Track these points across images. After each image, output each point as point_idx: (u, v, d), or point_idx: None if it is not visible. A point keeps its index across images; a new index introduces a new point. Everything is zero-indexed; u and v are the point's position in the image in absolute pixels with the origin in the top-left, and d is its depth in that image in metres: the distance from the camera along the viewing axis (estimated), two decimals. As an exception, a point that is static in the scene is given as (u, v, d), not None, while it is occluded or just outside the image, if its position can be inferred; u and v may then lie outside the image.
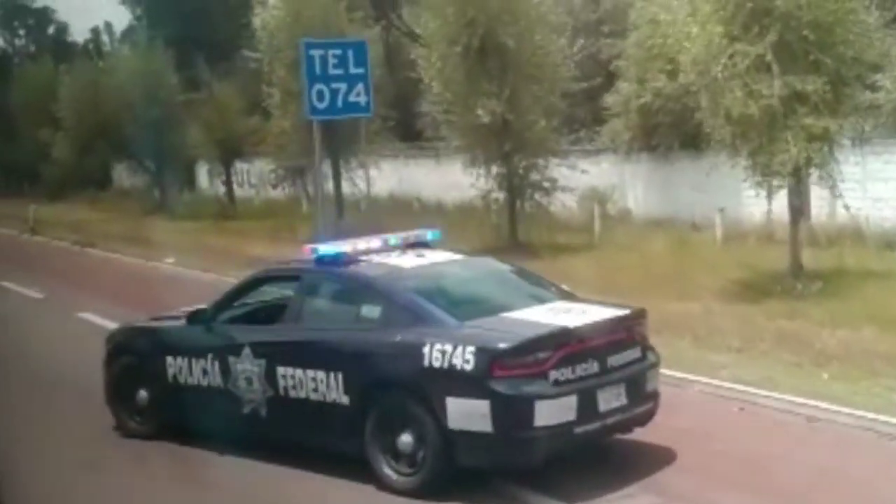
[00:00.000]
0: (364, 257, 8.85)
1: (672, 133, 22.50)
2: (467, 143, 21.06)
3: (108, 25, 79.62)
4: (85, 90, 37.82)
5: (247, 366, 8.55)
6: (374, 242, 9.07)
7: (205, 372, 8.90)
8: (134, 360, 9.63)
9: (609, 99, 24.20)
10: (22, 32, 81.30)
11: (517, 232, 21.48)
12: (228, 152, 32.94)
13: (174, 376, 9.14)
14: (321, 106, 15.86)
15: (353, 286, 8.68)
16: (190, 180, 43.10)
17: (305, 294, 8.80)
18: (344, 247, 8.83)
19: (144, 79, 34.96)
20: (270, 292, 9.56)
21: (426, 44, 20.75)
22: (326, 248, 8.76)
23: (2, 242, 30.00)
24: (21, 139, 55.19)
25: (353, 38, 18.67)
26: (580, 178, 22.19)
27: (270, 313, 9.03)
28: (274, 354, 8.43)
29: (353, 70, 16.04)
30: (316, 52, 15.78)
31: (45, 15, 79.56)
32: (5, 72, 74.41)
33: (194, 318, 9.24)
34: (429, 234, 9.56)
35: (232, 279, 17.61)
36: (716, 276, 16.08)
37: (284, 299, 9.13)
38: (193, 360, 8.97)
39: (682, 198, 22.77)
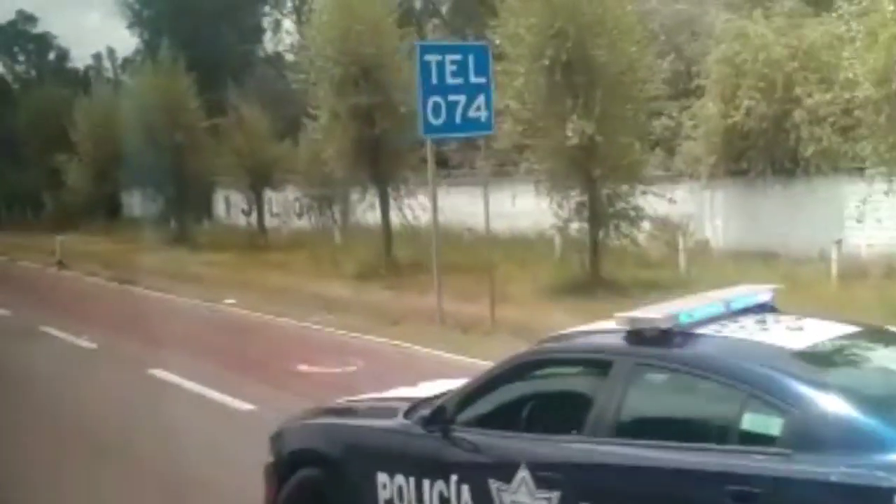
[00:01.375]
0: (698, 329, 5.44)
1: (763, 157, 20.30)
2: (548, 168, 18.77)
3: (111, 51, 78.23)
4: (102, 114, 35.43)
5: (524, 499, 5.40)
6: (709, 305, 5.77)
7: (445, 502, 5.77)
8: (320, 474, 6.37)
9: (686, 119, 22.02)
10: (22, 58, 79.23)
11: (599, 267, 19.19)
12: (259, 180, 30.63)
13: None
14: (437, 122, 13.63)
15: (714, 378, 5.06)
16: (207, 209, 40.92)
17: (621, 388, 5.31)
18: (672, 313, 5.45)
19: (166, 102, 32.66)
20: (547, 382, 6.08)
21: (505, 58, 18.50)
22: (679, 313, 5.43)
23: (29, 278, 27.27)
24: (25, 166, 53.15)
25: (473, 42, 16.02)
26: (655, 207, 20.05)
27: (556, 416, 5.67)
28: (575, 483, 5.22)
29: (473, 79, 13.82)
30: (432, 58, 13.56)
31: (45, 41, 77.69)
32: (5, 98, 72.83)
33: (425, 414, 6.01)
34: (765, 294, 6.13)
35: (313, 325, 16.25)
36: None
37: (578, 395, 5.70)
38: (425, 483, 5.80)
39: (772, 228, 20.60)
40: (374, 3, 22.88)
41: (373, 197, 24.56)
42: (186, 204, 34.76)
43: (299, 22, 52.35)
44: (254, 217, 39.90)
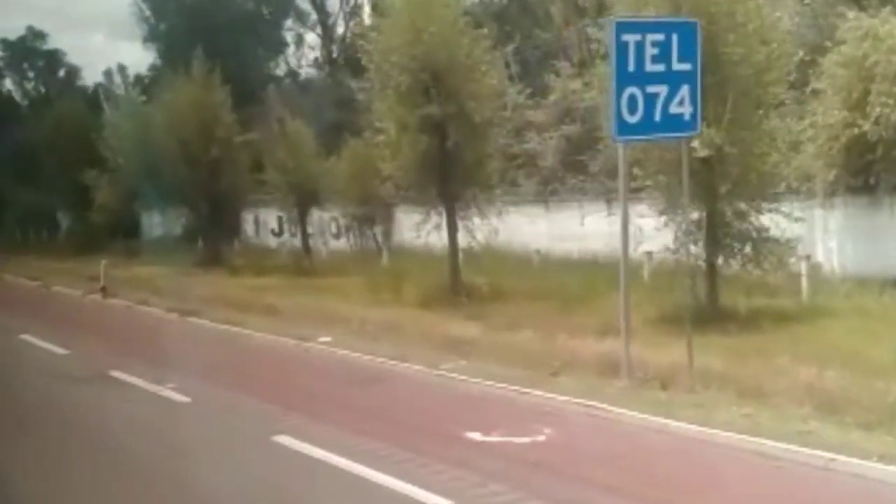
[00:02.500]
0: None
1: (893, 171, 17.92)
2: (663, 183, 16.35)
3: (122, 68, 76.05)
4: (134, 129, 32.88)
5: None
6: None
7: None
8: None
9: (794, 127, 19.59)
10: (31, 75, 77.04)
11: (717, 295, 16.76)
12: (304, 197, 28.17)
13: None
14: (633, 121, 10.99)
15: None
16: (236, 229, 38.51)
17: None
18: None
19: (201, 116, 30.28)
20: None
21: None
22: None
23: (73, 309, 24.36)
24: (39, 186, 50.79)
25: (678, 19, 12.83)
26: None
27: None
28: None
29: (677, 66, 11.21)
30: (630, 38, 10.89)
31: (55, 58, 75.52)
32: (15, 115, 70.67)
33: None
34: None
35: (449, 374, 12.91)
36: None
37: None
38: None
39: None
40: (446, 3, 20.42)
41: (438, 216, 21.99)
42: (219, 223, 32.26)
43: (325, 35, 50.23)
44: (286, 237, 37.65)
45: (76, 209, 42.02)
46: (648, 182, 16.66)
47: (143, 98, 63.92)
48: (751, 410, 9.98)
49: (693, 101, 11.22)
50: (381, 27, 20.73)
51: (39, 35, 75.10)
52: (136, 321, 21.04)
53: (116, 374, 14.10)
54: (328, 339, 16.10)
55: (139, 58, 71.40)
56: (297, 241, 36.10)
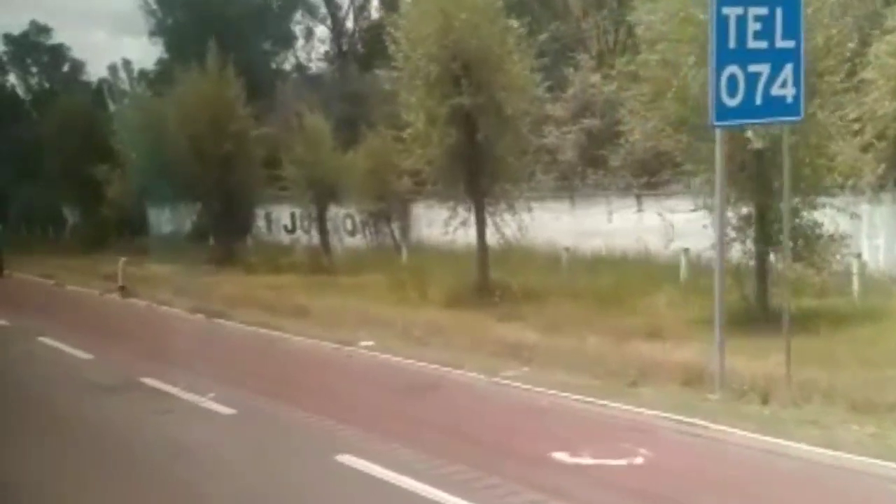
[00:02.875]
0: None
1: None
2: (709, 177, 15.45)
3: (127, 62, 75.29)
4: (146, 123, 31.91)
5: None
6: None
7: None
8: None
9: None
10: (35, 70, 76.11)
11: (767, 296, 15.93)
12: (323, 193, 27.29)
13: None
14: (733, 104, 10.00)
15: None
16: (247, 225, 37.61)
17: None
18: None
19: (215, 109, 29.40)
20: None
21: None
22: None
23: (92, 309, 22.91)
24: (43, 181, 49.97)
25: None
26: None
27: None
28: None
29: (780, 43, 10.24)
30: (731, 11, 9.91)
31: (59, 52, 74.57)
32: (18, 111, 69.80)
33: None
34: None
35: (513, 383, 11.75)
36: None
37: None
38: None
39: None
40: (477, -12, 19.61)
41: (465, 212, 21.14)
42: (231, 220, 31.38)
43: (335, 29, 49.33)
44: (298, 234, 36.80)
45: (83, 205, 41.10)
46: (703, 177, 15.72)
47: (149, 93, 63.12)
48: (873, 429, 8.95)
49: (797, 82, 10.25)
50: (410, 15, 19.83)
51: (43, 29, 74.24)
52: (161, 323, 19.65)
53: (149, 381, 12.79)
54: (370, 342, 14.93)
55: (143, 53, 70.73)
56: (312, 238, 35.30)
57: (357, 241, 32.97)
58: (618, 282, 20.30)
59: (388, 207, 30.73)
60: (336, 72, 46.07)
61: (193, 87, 30.00)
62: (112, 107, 55.25)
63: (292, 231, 37.26)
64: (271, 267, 27.71)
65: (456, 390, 12.31)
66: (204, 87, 29.70)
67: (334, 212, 35.03)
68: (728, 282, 16.88)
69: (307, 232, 36.42)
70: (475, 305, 19.40)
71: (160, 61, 57.02)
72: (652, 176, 28.51)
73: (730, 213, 15.61)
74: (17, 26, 73.48)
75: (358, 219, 32.70)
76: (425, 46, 19.35)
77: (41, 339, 17.11)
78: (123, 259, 24.49)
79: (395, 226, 31.81)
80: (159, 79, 59.35)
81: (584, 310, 17.64)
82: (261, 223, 37.95)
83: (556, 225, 26.08)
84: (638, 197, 24.49)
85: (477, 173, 20.43)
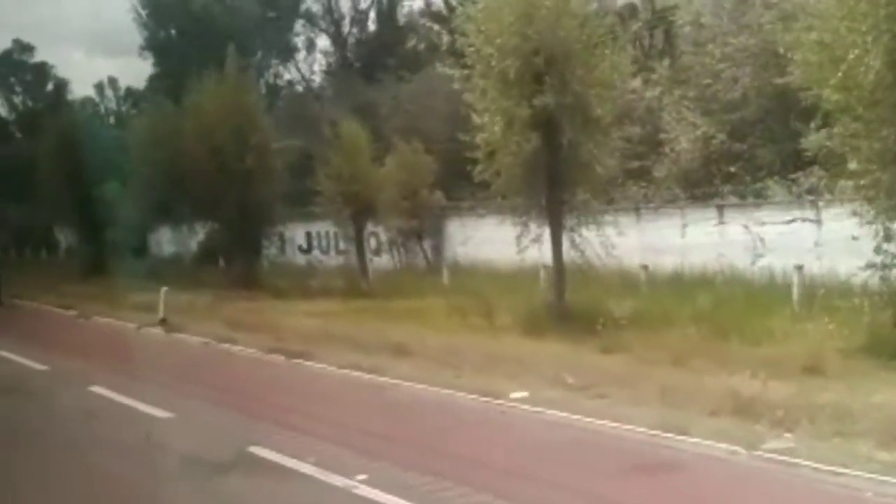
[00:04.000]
0: None
1: None
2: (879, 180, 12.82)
3: (113, 80, 72.51)
4: (160, 137, 28.83)
5: None
6: None
7: None
8: None
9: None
10: (19, 89, 72.96)
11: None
12: (362, 210, 24.39)
13: None
14: None
15: None
16: (257, 245, 34.67)
17: None
18: None
19: (235, 121, 26.52)
20: None
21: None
22: None
23: (138, 348, 18.38)
24: (34, 202, 46.95)
25: None
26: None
27: None
28: None
29: None
30: None
31: (43, 71, 71.50)
32: (3, 131, 67.04)
33: None
34: None
35: (814, 465, 8.00)
36: None
37: None
38: None
39: None
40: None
41: (539, 227, 18.38)
42: (248, 240, 28.47)
43: (338, 39, 46.55)
44: (315, 254, 33.97)
45: (81, 226, 37.90)
46: (863, 182, 13.02)
47: (133, 111, 59.70)
48: None
49: None
50: (486, 4, 17.06)
51: (27, 48, 71.26)
52: (235, 367, 15.77)
53: (263, 453, 9.24)
54: (522, 394, 11.33)
55: (118, 73, 67.60)
56: (330, 259, 32.47)
57: (383, 262, 30.12)
58: (718, 304, 17.58)
59: (421, 224, 27.91)
60: (339, 83, 43.20)
61: (210, 97, 27.02)
62: (99, 125, 52.72)
63: (307, 251, 34.40)
64: (301, 291, 24.85)
65: (710, 473, 8.57)
66: (222, 95, 26.74)
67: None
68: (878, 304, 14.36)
69: (325, 252, 33.60)
70: (560, 333, 16.65)
71: (154, 76, 54.10)
72: (696, 187, 26.08)
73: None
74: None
75: (384, 237, 29.84)
76: (503, 39, 16.57)
77: (94, 388, 13.19)
78: (165, 288, 20.74)
79: (427, 244, 29.01)
80: (149, 96, 56.81)
81: (700, 338, 14.91)
82: (272, 242, 35.00)
83: (620, 241, 23.35)
84: (719, 208, 21.80)
85: (557, 183, 17.66)
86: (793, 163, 23.91)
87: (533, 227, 18.48)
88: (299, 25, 47.37)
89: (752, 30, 27.22)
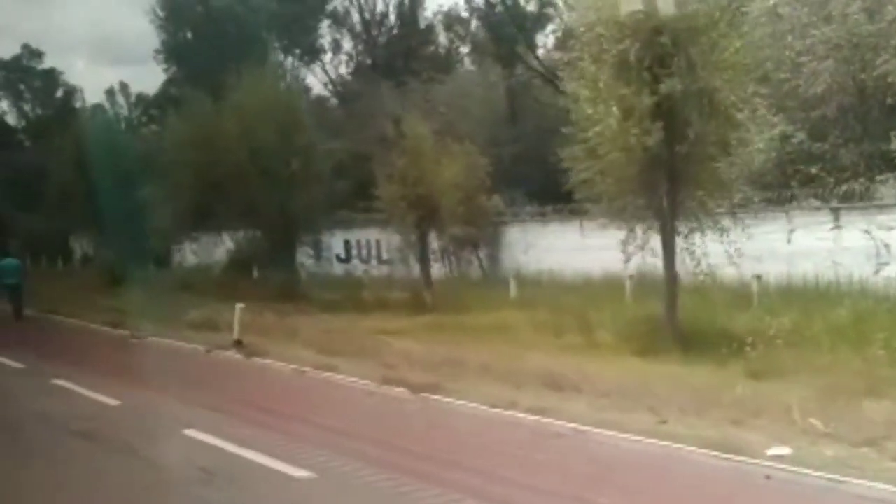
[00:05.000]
0: None
1: None
2: None
3: (124, 86, 70.11)
4: (198, 138, 26.18)
5: None
6: None
7: None
8: None
9: None
10: (28, 96, 70.46)
11: None
12: (426, 215, 21.84)
13: None
14: None
15: None
16: (292, 254, 32.19)
17: None
18: None
19: (279, 122, 24.04)
20: None
21: None
22: None
23: (213, 376, 15.40)
24: (46, 211, 44.60)
25: None
26: None
27: None
28: None
29: None
30: None
31: (52, 77, 69.07)
32: (11, 140, 64.68)
33: None
34: None
35: None
36: None
37: None
38: None
39: None
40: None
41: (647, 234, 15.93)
42: (291, 248, 26.02)
43: (368, 40, 44.10)
44: (355, 263, 31.48)
45: (102, 235, 35.36)
46: None
47: (144, 118, 56.94)
48: None
49: None
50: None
51: (36, 54, 68.85)
52: (360, 406, 12.18)
53: None
54: (782, 450, 8.37)
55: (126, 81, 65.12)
56: (371, 269, 30.04)
57: (434, 272, 27.60)
58: (857, 318, 15.15)
59: (477, 232, 25.43)
60: (367, 85, 40.71)
61: (250, 96, 24.48)
62: (117, 131, 50.23)
63: (346, 260, 31.91)
64: (353, 304, 22.33)
65: None
66: (263, 94, 24.22)
67: (399, 237, 29.79)
68: None
69: (365, 261, 31.13)
70: (684, 354, 14.24)
71: (170, 81, 51.64)
72: (768, 189, 23.73)
73: None
74: (7, 50, 68.06)
75: (438, 245, 27.28)
76: (622, 15, 14.13)
77: (191, 433, 10.14)
78: (240, 305, 17.49)
79: (483, 253, 26.55)
80: (163, 101, 54.38)
81: (870, 361, 12.44)
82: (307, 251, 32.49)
83: (715, 247, 20.95)
84: (834, 211, 19.36)
85: (677, 183, 15.22)
86: (878, 163, 21.65)
87: (639, 232, 16.05)
88: (325, 26, 44.83)
89: (836, 20, 24.80)
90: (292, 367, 14.86)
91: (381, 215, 30.87)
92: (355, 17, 43.86)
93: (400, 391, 12.26)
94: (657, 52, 14.32)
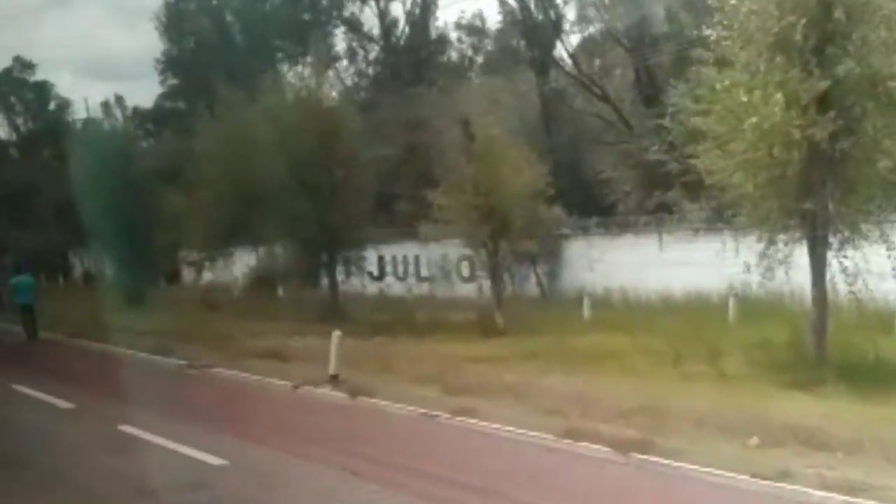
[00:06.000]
0: None
1: None
2: None
3: (119, 98, 67.21)
4: (236, 146, 23.28)
5: None
6: None
7: None
8: None
9: None
10: (20, 108, 67.46)
11: None
12: (501, 228, 19.12)
13: None
14: None
15: None
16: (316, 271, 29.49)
17: None
18: None
19: (322, 126, 21.43)
20: None
21: None
22: None
23: (319, 424, 11.99)
24: (43, 226, 42.05)
25: None
26: None
27: None
28: None
29: None
30: None
31: (44, 90, 66.13)
32: (3, 154, 62.01)
33: None
34: None
35: None
36: None
37: None
38: None
39: None
40: None
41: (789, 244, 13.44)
42: (332, 264, 23.40)
43: (384, 45, 41.55)
44: (389, 280, 28.87)
45: (112, 251, 32.54)
46: None
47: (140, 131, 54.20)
48: None
49: None
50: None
51: (28, 65, 65.86)
52: (542, 469, 9.03)
53: None
54: None
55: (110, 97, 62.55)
56: (411, 288, 27.45)
57: (468, 289, 24.98)
58: None
59: (537, 245, 22.80)
60: (387, 93, 38.16)
61: (286, 100, 21.82)
62: (122, 144, 47.62)
63: (379, 278, 29.25)
64: (412, 327, 19.70)
65: None
66: (306, 98, 21.61)
67: (440, 253, 27.20)
68: None
69: (402, 279, 28.50)
70: (852, 389, 11.72)
71: (167, 94, 49.07)
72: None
73: None
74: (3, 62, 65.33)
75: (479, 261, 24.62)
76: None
77: None
78: (337, 333, 14.18)
79: (541, 269, 23.97)
80: (160, 114, 51.75)
81: None
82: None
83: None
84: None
85: (836, 183, 12.76)
86: None
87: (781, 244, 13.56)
88: (340, 33, 42.26)
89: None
90: (418, 410, 11.72)
91: (416, 228, 28.41)
92: (371, 21, 41.24)
93: (596, 449, 9.22)
94: (827, 30, 11.87)
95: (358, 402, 12.74)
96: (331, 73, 42.88)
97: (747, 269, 18.41)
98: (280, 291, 28.67)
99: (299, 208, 21.77)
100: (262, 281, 29.63)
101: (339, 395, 13.19)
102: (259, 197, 21.78)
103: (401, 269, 28.52)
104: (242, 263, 31.35)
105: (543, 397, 11.20)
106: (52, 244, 42.79)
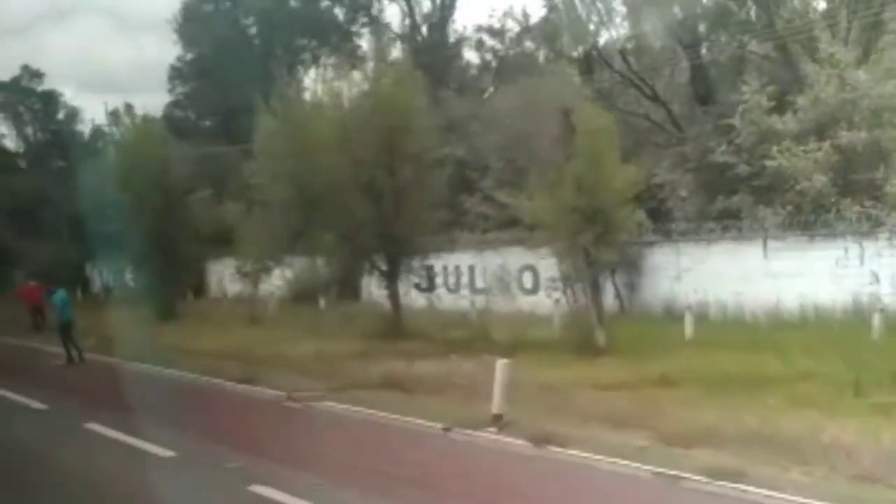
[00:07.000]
0: None
1: None
2: None
3: (129, 107, 64.90)
4: (301, 141, 20.61)
5: None
6: None
7: None
8: None
9: None
10: (28, 118, 65.23)
11: None
12: (603, 234, 16.69)
13: None
14: None
15: None
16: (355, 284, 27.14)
17: None
18: None
19: (390, 122, 19.09)
20: None
21: None
22: None
23: (517, 481, 8.93)
24: (59, 239, 40.01)
25: None
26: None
27: None
28: None
29: None
30: None
31: (52, 99, 63.99)
32: (11, 166, 59.97)
33: None
34: None
35: None
36: None
37: None
38: None
39: None
40: None
41: None
42: (394, 275, 21.07)
43: (411, 44, 39.28)
44: (441, 291, 26.51)
45: (141, 264, 30.18)
46: None
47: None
48: None
49: None
50: None
51: (36, 74, 63.77)
52: None
53: None
54: None
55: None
56: (460, 300, 25.08)
57: (539, 301, 22.55)
58: None
59: (614, 255, 20.34)
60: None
61: (367, 93, 19.46)
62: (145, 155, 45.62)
63: (428, 289, 26.81)
64: (490, 346, 17.23)
65: None
66: (381, 90, 19.25)
67: (497, 262, 24.91)
68: None
69: (453, 291, 26.14)
70: None
71: (190, 94, 46.83)
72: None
73: None
74: (6, 71, 63.26)
75: (544, 271, 22.22)
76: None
77: None
78: (502, 360, 11.28)
79: (620, 279, 21.62)
80: (169, 122, 49.64)
81: None
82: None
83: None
84: None
85: None
86: None
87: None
88: (367, 34, 40.06)
89: None
90: (642, 468, 8.73)
91: (474, 236, 26.08)
92: (397, 20, 39.04)
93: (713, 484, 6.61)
94: None
95: (547, 454, 9.70)
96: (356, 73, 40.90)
97: (875, 279, 16.23)
98: (321, 304, 26.35)
99: (363, 213, 19.44)
100: (302, 293, 27.34)
101: (515, 443, 10.20)
102: (323, 201, 19.35)
103: (452, 280, 26.13)
104: (277, 275, 29.01)
105: (788, 448, 8.67)
106: (68, 256, 40.54)
